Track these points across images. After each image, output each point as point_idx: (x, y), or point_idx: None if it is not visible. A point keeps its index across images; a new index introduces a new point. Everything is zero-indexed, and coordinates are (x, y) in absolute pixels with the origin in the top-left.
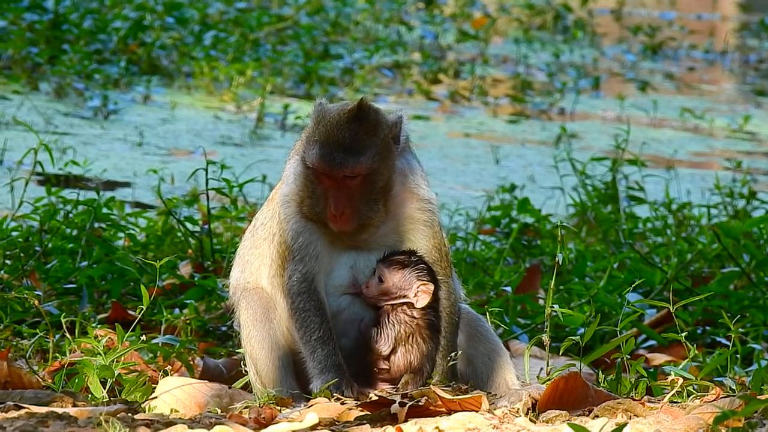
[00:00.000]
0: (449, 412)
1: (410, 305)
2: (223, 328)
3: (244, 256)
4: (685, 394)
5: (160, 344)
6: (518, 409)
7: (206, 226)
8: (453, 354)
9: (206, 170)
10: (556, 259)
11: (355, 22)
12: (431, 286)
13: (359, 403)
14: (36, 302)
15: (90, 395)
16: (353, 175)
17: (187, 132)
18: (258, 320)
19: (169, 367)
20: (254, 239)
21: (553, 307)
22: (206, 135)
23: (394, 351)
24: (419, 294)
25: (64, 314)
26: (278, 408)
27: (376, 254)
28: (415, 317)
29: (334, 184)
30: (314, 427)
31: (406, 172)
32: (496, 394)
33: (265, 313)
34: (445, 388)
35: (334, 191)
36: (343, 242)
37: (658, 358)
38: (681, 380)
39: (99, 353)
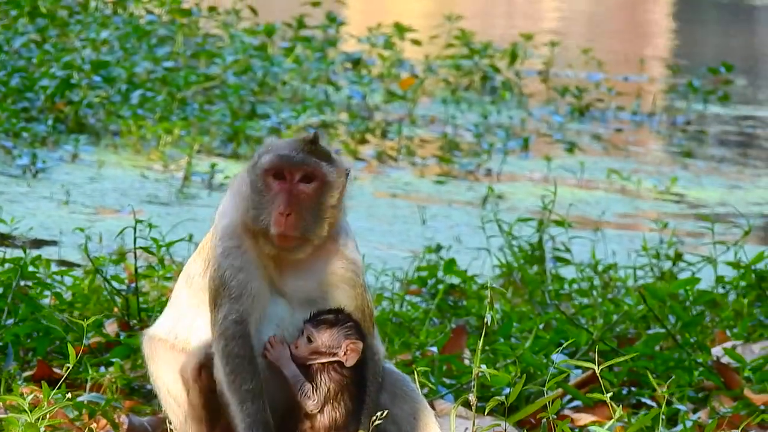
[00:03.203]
0: None
1: (340, 364)
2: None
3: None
4: None
5: (85, 402)
6: None
7: (133, 285)
8: (379, 413)
9: (134, 229)
10: (485, 319)
11: (282, 81)
12: (360, 345)
13: None
14: None
15: None
16: (311, 176)
17: (114, 190)
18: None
19: (95, 424)
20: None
21: (480, 366)
22: (132, 194)
23: (322, 410)
24: (348, 353)
25: None
26: None
27: (300, 311)
28: (345, 375)
29: (287, 188)
30: None
31: (339, 229)
32: None
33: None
34: None
35: (285, 194)
36: (279, 273)
37: (584, 419)
38: None
39: (24, 410)
